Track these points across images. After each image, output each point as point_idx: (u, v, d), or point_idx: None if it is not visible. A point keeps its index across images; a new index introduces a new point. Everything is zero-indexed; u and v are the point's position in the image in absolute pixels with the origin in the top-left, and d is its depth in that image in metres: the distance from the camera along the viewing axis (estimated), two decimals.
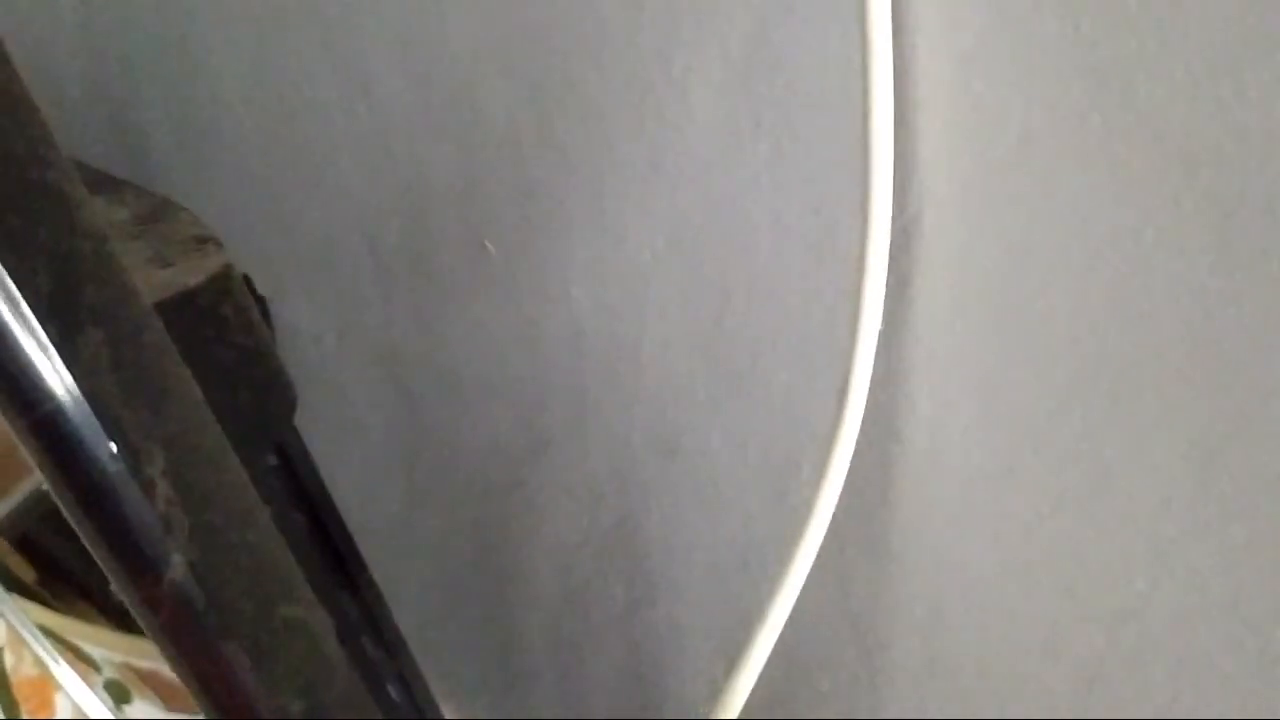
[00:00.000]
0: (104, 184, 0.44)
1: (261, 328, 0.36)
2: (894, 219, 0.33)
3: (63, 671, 0.72)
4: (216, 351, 0.34)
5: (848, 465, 0.36)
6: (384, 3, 0.48)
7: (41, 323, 0.23)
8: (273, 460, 0.40)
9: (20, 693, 0.79)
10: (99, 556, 0.24)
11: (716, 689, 0.47)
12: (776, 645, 0.39)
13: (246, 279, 0.65)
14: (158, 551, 0.24)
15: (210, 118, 0.64)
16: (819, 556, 0.38)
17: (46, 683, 0.79)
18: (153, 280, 0.34)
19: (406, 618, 0.58)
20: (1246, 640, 0.30)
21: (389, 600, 0.54)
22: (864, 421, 0.36)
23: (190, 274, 0.34)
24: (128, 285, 0.26)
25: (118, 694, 0.79)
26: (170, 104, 0.68)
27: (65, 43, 0.75)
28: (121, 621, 0.76)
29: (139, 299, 0.26)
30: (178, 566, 0.24)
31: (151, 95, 0.69)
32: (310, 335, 0.66)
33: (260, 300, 0.64)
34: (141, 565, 0.24)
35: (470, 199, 0.49)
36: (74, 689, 0.71)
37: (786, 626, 0.39)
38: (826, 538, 0.38)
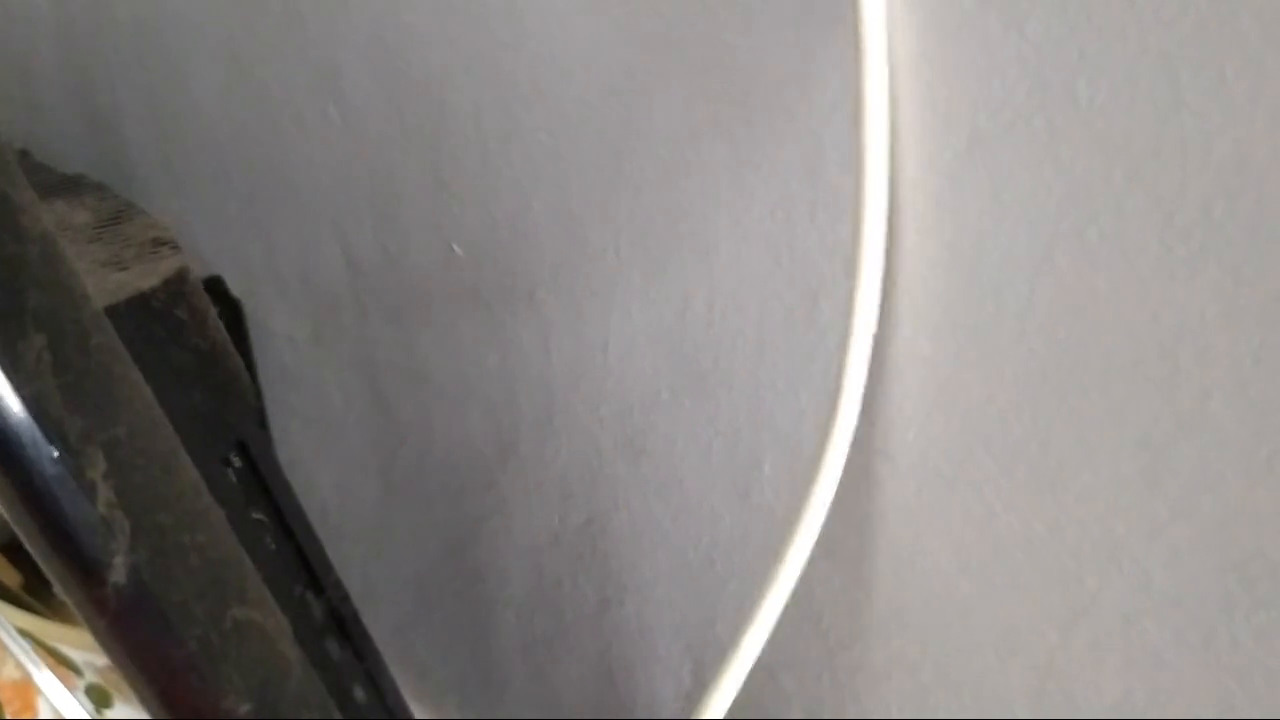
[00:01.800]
0: (68, 187, 0.45)
1: (219, 329, 0.36)
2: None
3: (44, 677, 0.72)
4: (171, 353, 0.34)
5: (831, 476, 0.36)
6: (355, 6, 0.48)
7: None
8: (236, 461, 0.40)
9: (3, 695, 0.79)
10: (41, 559, 0.25)
11: (688, 690, 0.47)
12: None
13: (220, 281, 0.65)
14: (100, 554, 0.24)
15: (186, 120, 0.64)
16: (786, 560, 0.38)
17: (29, 685, 0.79)
18: (107, 283, 0.34)
19: (380, 618, 0.58)
20: (1191, 636, 0.31)
21: (363, 600, 0.54)
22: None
23: (145, 277, 0.34)
24: (74, 289, 0.26)
25: (99, 698, 0.79)
26: (146, 108, 0.68)
27: (43, 47, 0.75)
28: None
29: (87, 303, 0.27)
30: (120, 569, 0.25)
31: (128, 99, 0.69)
32: (285, 337, 0.66)
33: (234, 302, 0.64)
34: (84, 568, 0.25)
35: (438, 201, 0.49)
36: (55, 695, 0.71)
37: (754, 629, 0.39)
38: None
